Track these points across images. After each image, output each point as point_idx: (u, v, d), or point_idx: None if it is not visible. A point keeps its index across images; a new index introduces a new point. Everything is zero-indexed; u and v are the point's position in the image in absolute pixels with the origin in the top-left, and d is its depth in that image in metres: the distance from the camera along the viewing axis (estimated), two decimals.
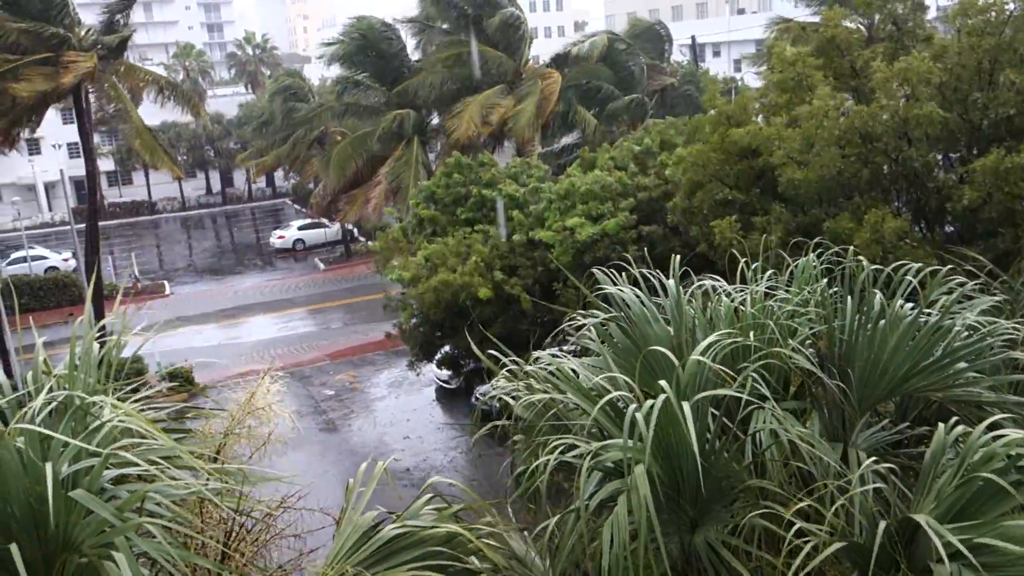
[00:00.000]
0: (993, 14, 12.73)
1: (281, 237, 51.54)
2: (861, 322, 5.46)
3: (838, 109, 13.06)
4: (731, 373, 4.92)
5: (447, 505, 5.21)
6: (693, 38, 43.42)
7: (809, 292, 5.88)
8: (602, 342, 5.87)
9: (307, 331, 36.18)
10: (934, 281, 5.97)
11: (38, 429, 4.04)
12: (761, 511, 4.63)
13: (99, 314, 27.73)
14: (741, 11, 72.01)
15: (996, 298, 6.20)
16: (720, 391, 4.83)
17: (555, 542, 5.02)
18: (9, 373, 23.36)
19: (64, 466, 4.01)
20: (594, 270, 6.26)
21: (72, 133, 41.90)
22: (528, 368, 5.70)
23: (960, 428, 4.75)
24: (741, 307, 5.77)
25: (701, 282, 6.15)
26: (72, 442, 4.02)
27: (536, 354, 5.80)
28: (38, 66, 26.32)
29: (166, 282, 45.40)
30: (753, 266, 6.23)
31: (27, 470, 3.95)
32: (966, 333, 5.51)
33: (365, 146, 34.52)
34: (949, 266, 6.29)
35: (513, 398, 5.71)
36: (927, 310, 5.59)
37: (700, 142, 15.50)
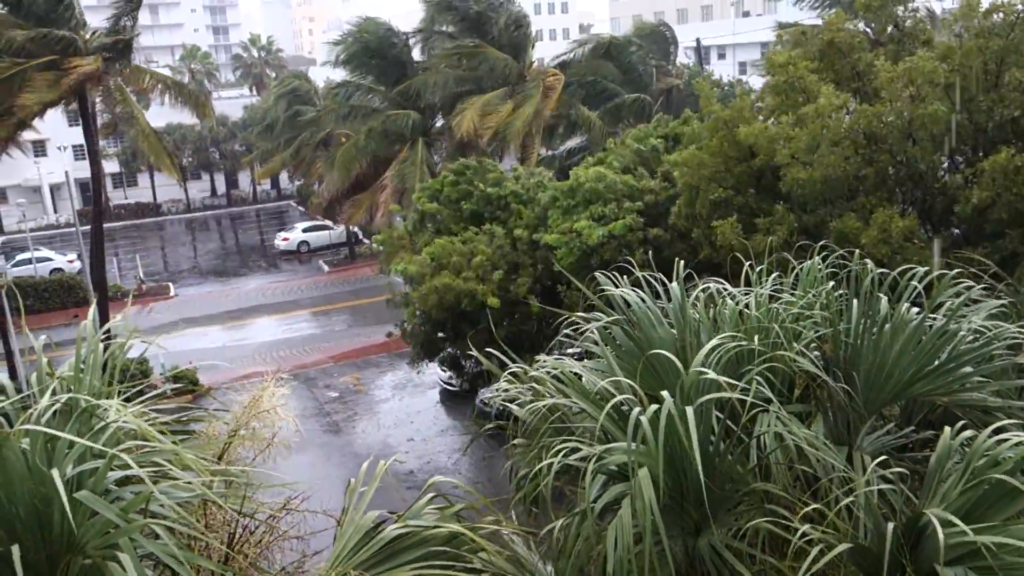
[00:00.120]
0: (1001, 15, 12.70)
1: (285, 239, 51.58)
2: (867, 326, 5.45)
3: (842, 108, 13.05)
4: (732, 383, 4.91)
5: (449, 505, 5.20)
6: (698, 40, 43.38)
7: (814, 295, 5.87)
8: (605, 345, 5.87)
9: (311, 333, 36.22)
10: (941, 284, 5.96)
11: (43, 429, 4.04)
12: (767, 518, 4.62)
13: (104, 316, 27.79)
14: (746, 14, 71.98)
15: (1002, 301, 6.18)
16: (724, 394, 4.82)
17: (558, 546, 5.00)
18: (14, 375, 23.44)
19: (69, 468, 4.02)
20: (597, 273, 6.25)
21: (77, 135, 41.99)
22: (532, 372, 5.69)
23: (966, 432, 4.73)
24: (746, 310, 5.76)
25: (706, 285, 6.14)
26: (80, 441, 4.03)
27: (540, 358, 5.80)
28: (42, 72, 26.37)
29: (171, 284, 45.48)
30: (758, 269, 6.22)
31: (32, 471, 3.96)
32: (972, 337, 5.49)
33: (369, 147, 34.56)
34: (956, 270, 6.28)
35: (515, 401, 5.71)
36: (932, 314, 5.58)
37: (695, 146, 15.55)
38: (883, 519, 4.60)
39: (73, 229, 40.37)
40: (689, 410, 4.47)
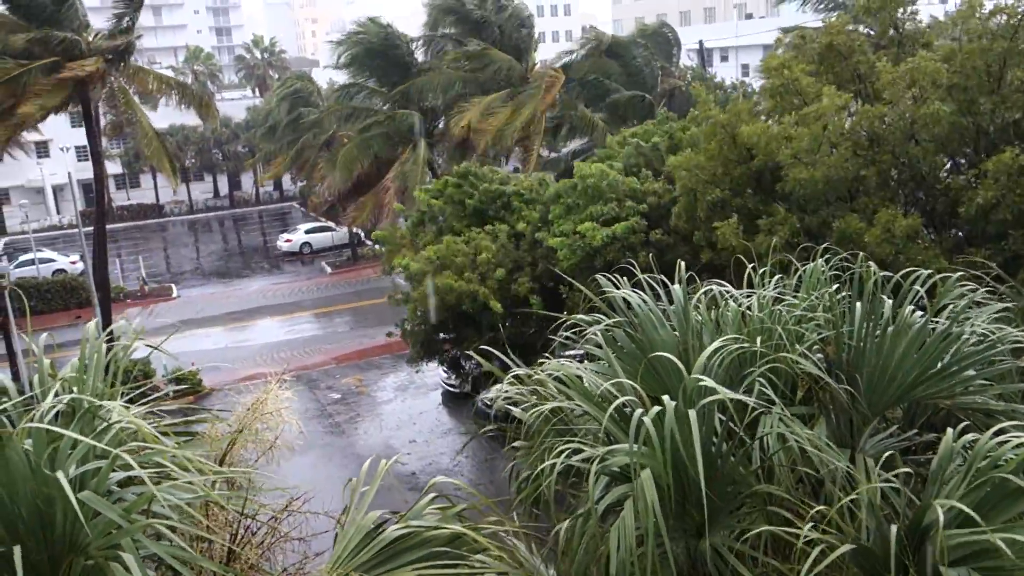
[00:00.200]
0: (1005, 17, 12.69)
1: (288, 240, 51.61)
2: (870, 328, 5.45)
3: (844, 109, 13.04)
4: (733, 395, 4.90)
5: (451, 505, 5.20)
6: (701, 43, 43.40)
7: (817, 297, 5.86)
8: (608, 347, 5.86)
9: (313, 334, 36.23)
10: (944, 287, 5.96)
11: (46, 427, 4.05)
12: (769, 520, 4.61)
13: (106, 317, 27.80)
14: (749, 16, 72.03)
15: (1005, 305, 6.18)
16: (727, 395, 4.82)
17: (561, 547, 5.00)
18: (16, 376, 23.44)
19: (71, 468, 4.02)
20: (599, 276, 6.25)
21: (80, 136, 42.03)
22: (535, 375, 5.69)
23: (968, 435, 4.73)
24: (748, 311, 5.76)
25: (708, 287, 6.14)
26: (83, 440, 4.03)
27: (542, 360, 5.80)
28: (45, 75, 26.40)
29: (173, 285, 45.52)
30: (761, 271, 6.22)
31: (34, 472, 3.96)
32: (975, 340, 5.49)
33: (371, 148, 34.58)
34: (959, 273, 6.27)
35: (517, 403, 5.70)
36: (935, 318, 5.58)
37: (691, 150, 15.58)
38: (886, 521, 4.60)
39: (76, 230, 40.44)
40: (691, 412, 4.47)
